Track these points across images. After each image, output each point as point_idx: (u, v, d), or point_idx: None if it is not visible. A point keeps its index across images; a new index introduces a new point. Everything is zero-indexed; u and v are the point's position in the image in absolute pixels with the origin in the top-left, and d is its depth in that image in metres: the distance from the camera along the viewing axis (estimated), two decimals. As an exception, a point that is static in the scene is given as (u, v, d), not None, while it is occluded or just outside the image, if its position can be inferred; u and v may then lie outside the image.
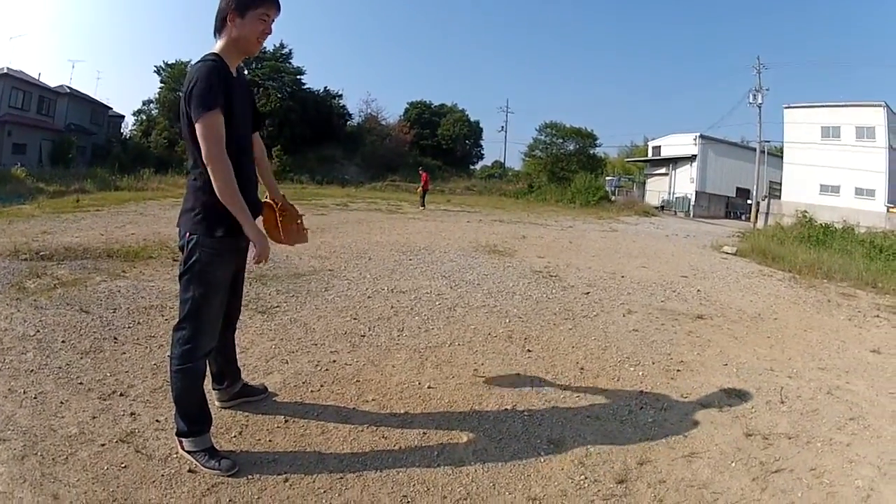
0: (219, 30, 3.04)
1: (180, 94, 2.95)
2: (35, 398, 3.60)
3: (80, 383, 3.90)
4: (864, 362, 6.04)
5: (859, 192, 39.01)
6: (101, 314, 5.36)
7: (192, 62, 3.05)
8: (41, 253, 7.55)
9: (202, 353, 3.10)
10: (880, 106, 39.30)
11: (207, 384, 3.35)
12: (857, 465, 3.71)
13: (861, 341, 6.90)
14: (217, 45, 3.03)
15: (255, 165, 3.42)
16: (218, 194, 2.86)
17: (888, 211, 35.82)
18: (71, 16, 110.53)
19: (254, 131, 3.42)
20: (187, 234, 2.98)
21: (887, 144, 38.43)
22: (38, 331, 4.75)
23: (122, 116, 56.66)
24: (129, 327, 5.11)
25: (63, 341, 4.59)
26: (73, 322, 5.04)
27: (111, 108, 53.91)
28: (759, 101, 42.86)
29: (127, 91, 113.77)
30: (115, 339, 4.79)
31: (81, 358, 4.31)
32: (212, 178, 2.84)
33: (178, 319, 3.08)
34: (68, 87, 47.96)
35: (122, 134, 55.51)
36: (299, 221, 3.68)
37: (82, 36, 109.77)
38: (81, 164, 41.47)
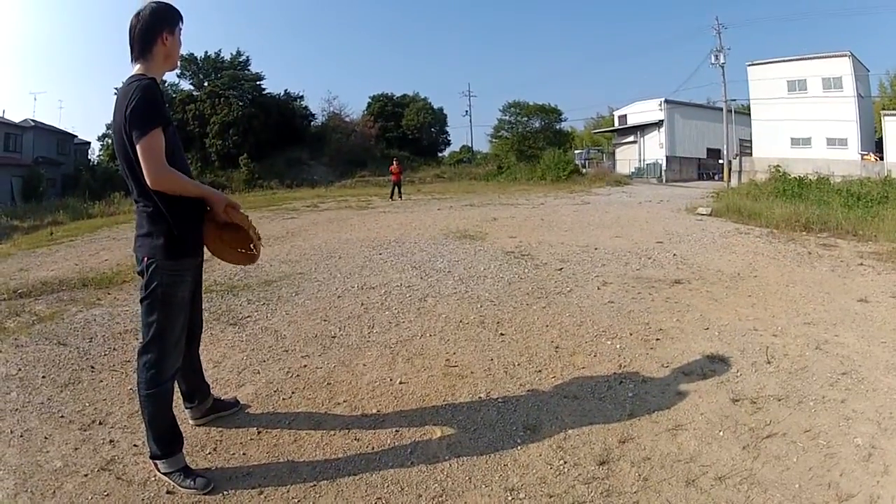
0: (145, 50, 3.01)
1: (113, 120, 2.96)
2: (21, 436, 3.63)
3: (62, 416, 3.92)
4: (851, 313, 5.97)
5: (831, 142, 39.44)
6: (78, 345, 5.38)
7: (120, 86, 3.04)
8: (18, 291, 7.55)
9: (169, 376, 3.12)
10: (845, 56, 39.75)
11: (179, 404, 3.49)
12: (854, 423, 3.60)
13: (847, 291, 6.83)
14: (142, 66, 3.01)
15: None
16: (181, 194, 2.94)
17: (862, 158, 36.22)
18: (28, 48, 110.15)
19: None
20: (145, 258, 3.00)
21: (855, 93, 38.86)
22: (20, 369, 4.78)
23: (88, 143, 56.73)
24: (105, 355, 5.13)
25: (43, 376, 4.62)
26: (52, 356, 5.07)
27: (76, 136, 53.90)
28: (722, 60, 43.04)
29: (90, 116, 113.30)
30: (93, 367, 4.81)
31: (61, 391, 4.34)
32: (166, 194, 2.89)
33: (142, 343, 3.09)
34: (32, 121, 48.12)
35: (89, 161, 55.27)
36: (247, 247, 3.41)
37: (41, 67, 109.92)
38: (53, 195, 41.48)
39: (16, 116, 47.85)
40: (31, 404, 4.10)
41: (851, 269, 8.18)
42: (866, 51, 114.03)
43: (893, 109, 40.47)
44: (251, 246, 3.29)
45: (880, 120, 39.35)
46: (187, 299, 3.17)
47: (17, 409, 4.01)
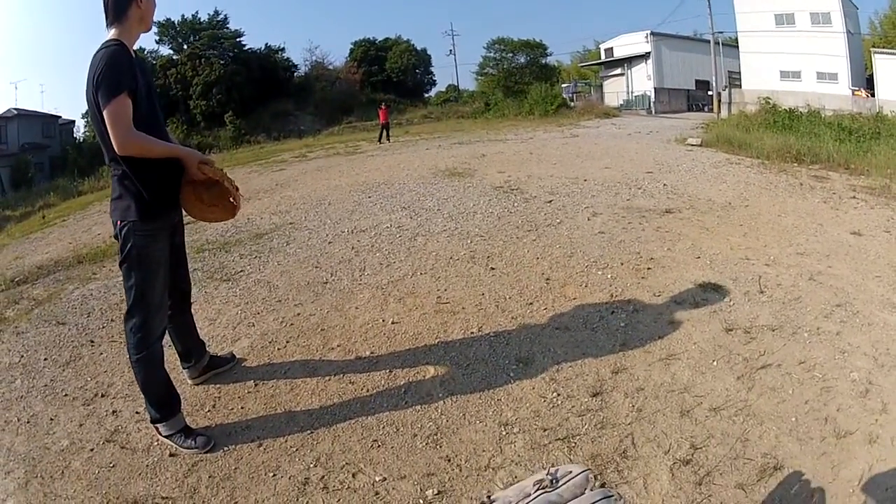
0: (120, 13, 2.95)
1: (86, 90, 2.88)
2: (28, 422, 3.62)
3: (65, 395, 3.91)
4: (845, 245, 5.91)
5: (821, 76, 39.13)
6: (77, 321, 5.36)
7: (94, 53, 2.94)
8: (16, 279, 7.48)
9: (156, 337, 3.13)
10: (834, -9, 39.13)
11: (176, 366, 3.64)
12: (850, 356, 3.56)
13: (839, 223, 6.77)
14: (116, 31, 2.95)
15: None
16: (148, 157, 2.90)
17: (853, 94, 36.00)
18: (5, 36, 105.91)
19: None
20: (118, 221, 3.00)
21: (844, 29, 38.39)
22: (23, 356, 4.74)
23: (73, 121, 55.22)
24: (103, 327, 5.11)
25: (45, 359, 4.60)
26: (52, 337, 5.05)
27: (60, 117, 52.77)
28: (708, -9, 42.25)
29: (74, 95, 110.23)
30: (92, 342, 4.79)
31: (63, 370, 4.33)
32: (133, 158, 2.86)
33: (126, 309, 3.08)
34: (15, 109, 47.27)
35: (75, 139, 53.99)
36: (226, 201, 3.32)
37: (18, 55, 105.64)
38: (42, 179, 41.11)
39: None
40: (35, 388, 4.10)
41: (844, 201, 8.10)
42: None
43: (884, 48, 40.16)
44: (230, 199, 3.22)
45: (870, 58, 39.08)
46: (165, 258, 3.15)
47: (21, 397, 4.01)
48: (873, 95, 35.47)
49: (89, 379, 4.09)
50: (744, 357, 3.52)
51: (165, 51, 55.09)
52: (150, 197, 2.95)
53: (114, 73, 2.75)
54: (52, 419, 3.59)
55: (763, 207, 7.56)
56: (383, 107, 28.50)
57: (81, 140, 52.71)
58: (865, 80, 39.69)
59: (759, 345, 3.68)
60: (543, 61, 59.51)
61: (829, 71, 38.82)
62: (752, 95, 33.89)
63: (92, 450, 3.16)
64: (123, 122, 2.73)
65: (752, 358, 3.51)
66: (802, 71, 40.12)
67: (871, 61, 39.11)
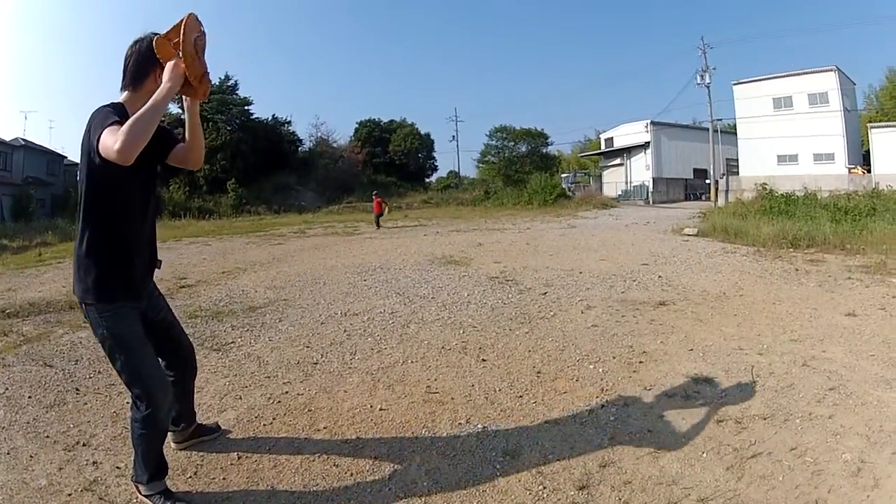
0: (136, 81, 2.96)
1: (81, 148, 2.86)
2: (8, 454, 3.72)
3: (47, 436, 3.99)
4: (839, 327, 5.99)
5: (818, 157, 39.95)
6: (64, 367, 5.50)
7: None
8: (7, 311, 7.74)
9: (164, 412, 3.10)
10: (831, 70, 40.46)
11: None
12: (842, 438, 3.59)
13: (834, 306, 6.87)
14: (127, 96, 2.96)
15: (150, 227, 3.25)
16: (149, 125, 2.55)
17: (850, 172, 36.61)
18: (21, 66, 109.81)
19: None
20: (83, 304, 2.97)
21: (841, 107, 39.47)
22: (7, 388, 4.92)
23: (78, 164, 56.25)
24: (90, 378, 5.21)
25: (29, 397, 4.73)
26: (38, 377, 5.21)
27: (66, 157, 53.59)
28: (707, 80, 43.51)
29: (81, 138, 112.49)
30: (77, 390, 4.90)
31: (47, 412, 4.43)
32: (95, 231, 2.87)
33: (126, 386, 3.08)
34: (23, 140, 48.33)
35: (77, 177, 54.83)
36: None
37: (33, 85, 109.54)
38: (42, 216, 41.73)
39: (6, 134, 47.92)
40: (18, 423, 4.18)
41: (839, 283, 8.22)
42: (854, 63, 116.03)
43: (880, 122, 41.02)
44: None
45: (867, 132, 39.88)
46: (141, 336, 3.06)
47: (3, 427, 4.10)
48: (869, 171, 36.09)
49: (72, 425, 4.15)
50: (734, 447, 3.53)
51: (174, 108, 55.89)
52: (107, 277, 2.88)
53: (105, 115, 2.69)
54: (31, 456, 3.65)
55: (758, 296, 7.66)
56: (376, 197, 27.49)
57: (85, 186, 54.02)
58: (862, 157, 40.44)
59: (750, 434, 3.70)
60: (544, 150, 60.89)
61: (825, 151, 39.69)
62: (750, 182, 34.49)
63: (70, 495, 3.19)
64: (115, 132, 2.50)
65: (742, 448, 3.52)
66: (800, 154, 41.02)
67: (867, 136, 39.85)
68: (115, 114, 2.73)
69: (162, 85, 2.72)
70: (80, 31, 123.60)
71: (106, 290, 2.90)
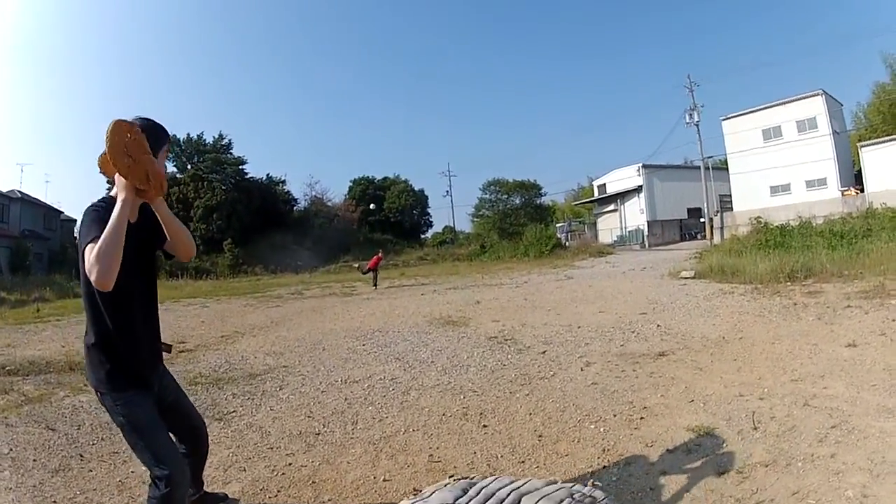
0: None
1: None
2: None
3: (54, 501, 4.08)
4: (839, 361, 6.02)
5: (810, 183, 40.23)
6: (67, 431, 5.58)
7: None
8: (7, 367, 7.85)
9: (182, 491, 3.10)
10: (818, 95, 40.98)
11: None
12: (844, 475, 3.60)
13: (834, 339, 6.91)
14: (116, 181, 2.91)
15: (154, 312, 3.28)
16: (115, 247, 2.57)
17: (843, 195, 36.82)
18: (17, 118, 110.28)
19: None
20: (97, 392, 3.05)
21: (830, 131, 39.85)
22: (12, 449, 5.04)
23: (74, 220, 56.58)
24: (93, 444, 5.26)
25: (34, 460, 4.83)
26: (42, 440, 5.30)
27: (62, 212, 54.25)
28: (696, 118, 44.10)
29: (76, 193, 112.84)
30: (81, 456, 4.96)
31: (52, 476, 4.51)
32: (99, 329, 2.91)
33: (144, 466, 3.10)
34: (20, 192, 48.72)
35: (75, 238, 54.51)
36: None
37: (29, 138, 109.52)
38: (39, 270, 42.40)
39: (2, 186, 48.38)
40: (24, 486, 4.29)
41: (838, 313, 8.26)
42: (840, 85, 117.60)
43: (870, 139, 41.35)
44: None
45: (857, 152, 40.18)
46: (156, 416, 3.12)
47: (10, 489, 4.21)
48: (862, 191, 36.22)
49: (79, 492, 4.20)
50: (736, 498, 3.53)
51: (170, 167, 56.20)
52: (116, 368, 2.94)
53: (86, 228, 2.72)
54: (40, 521, 3.68)
55: (757, 337, 7.70)
56: (379, 254, 27.62)
57: (82, 243, 54.32)
58: (854, 177, 40.61)
59: (752, 483, 3.70)
60: (538, 201, 61.29)
61: (817, 177, 39.92)
62: (744, 217, 34.73)
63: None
64: (90, 258, 2.56)
65: (744, 498, 3.52)
66: (792, 182, 41.25)
67: (858, 156, 40.07)
68: (103, 213, 2.74)
69: (116, 202, 2.71)
70: (79, 88, 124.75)
71: (118, 380, 2.96)
